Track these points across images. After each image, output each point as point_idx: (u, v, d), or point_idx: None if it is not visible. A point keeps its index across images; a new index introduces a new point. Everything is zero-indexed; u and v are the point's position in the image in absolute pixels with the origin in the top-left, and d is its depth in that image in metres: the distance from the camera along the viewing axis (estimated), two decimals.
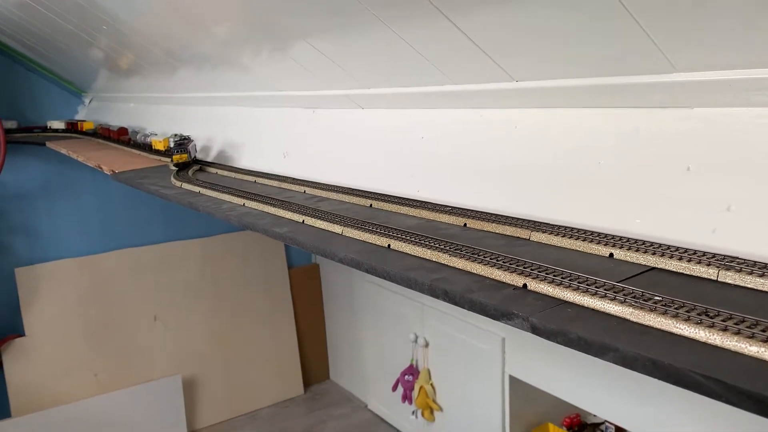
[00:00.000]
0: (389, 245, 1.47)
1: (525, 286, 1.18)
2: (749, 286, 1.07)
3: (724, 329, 0.92)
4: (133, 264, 5.27)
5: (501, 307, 1.12)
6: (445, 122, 1.87)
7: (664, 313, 0.99)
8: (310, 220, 1.78)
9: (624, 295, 1.07)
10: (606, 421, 3.96)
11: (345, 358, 5.88)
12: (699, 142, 1.34)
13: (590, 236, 1.35)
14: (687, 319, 0.96)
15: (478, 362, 4.10)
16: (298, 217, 1.81)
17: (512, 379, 3.91)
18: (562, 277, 1.16)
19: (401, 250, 1.44)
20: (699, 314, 0.97)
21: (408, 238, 1.46)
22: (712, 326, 0.93)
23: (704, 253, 1.18)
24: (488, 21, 1.52)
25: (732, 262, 1.13)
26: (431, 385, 4.51)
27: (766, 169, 1.23)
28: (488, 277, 1.24)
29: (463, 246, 1.36)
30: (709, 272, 1.13)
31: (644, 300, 1.04)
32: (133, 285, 5.26)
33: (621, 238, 1.31)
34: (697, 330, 0.94)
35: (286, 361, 5.77)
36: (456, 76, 1.78)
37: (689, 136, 1.35)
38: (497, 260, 1.28)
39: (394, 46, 1.78)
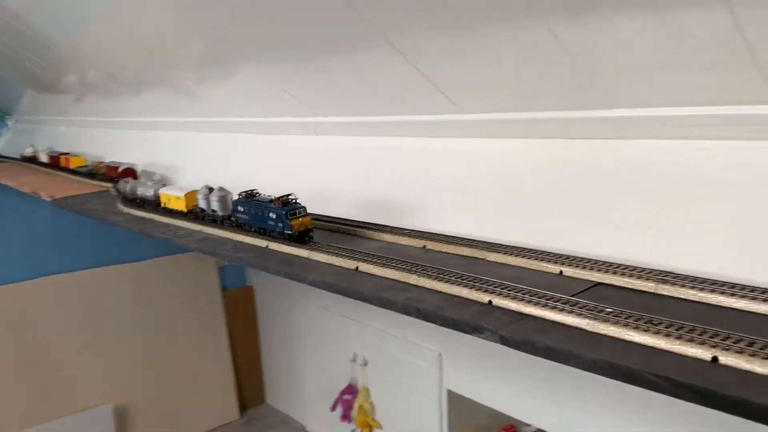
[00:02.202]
0: (357, 267, 1.57)
1: (490, 302, 1.30)
2: (683, 297, 1.24)
3: (668, 335, 1.07)
4: (60, 291, 5.09)
5: (471, 322, 1.24)
6: (400, 149, 2.00)
7: (616, 323, 1.14)
8: (274, 245, 1.85)
9: (579, 308, 1.21)
10: (539, 429, 4.15)
11: (282, 380, 5.86)
12: (631, 170, 1.52)
13: (541, 255, 1.49)
14: (636, 327, 1.11)
15: (417, 378, 4.20)
16: (261, 242, 1.88)
17: (450, 393, 4.02)
18: (522, 293, 1.30)
19: (370, 272, 1.54)
20: (645, 323, 1.12)
21: (375, 260, 1.56)
22: (657, 333, 1.08)
23: (643, 269, 1.34)
24: (440, 57, 1.66)
25: (667, 276, 1.30)
26: (370, 403, 4.59)
27: (690, 194, 1.42)
28: (455, 295, 1.36)
29: (427, 267, 1.48)
30: (648, 285, 1.29)
31: (597, 312, 1.19)
32: (61, 313, 5.08)
33: (568, 256, 1.47)
34: (645, 337, 1.09)
35: (221, 385, 5.70)
36: (407, 107, 1.92)
37: (622, 164, 1.53)
38: (462, 279, 1.40)
39: (347, 76, 1.90)
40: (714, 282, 1.24)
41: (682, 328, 1.08)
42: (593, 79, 1.46)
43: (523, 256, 1.51)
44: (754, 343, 1.00)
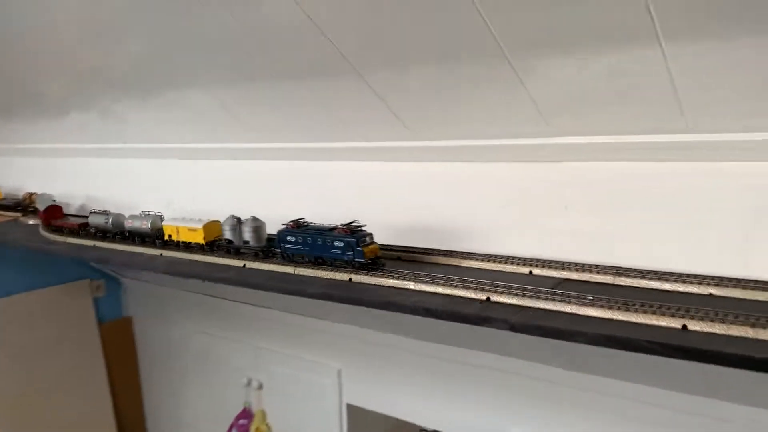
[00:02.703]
0: (350, 279, 1.73)
1: (488, 299, 1.54)
2: (638, 285, 1.57)
3: (645, 312, 1.38)
4: None
5: (480, 314, 1.47)
6: (365, 171, 2.19)
7: (601, 307, 1.43)
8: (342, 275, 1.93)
9: (564, 297, 1.49)
10: None
11: (165, 412, 5.63)
12: (572, 187, 1.85)
13: (510, 259, 1.77)
14: (618, 309, 1.41)
15: (316, 396, 4.32)
16: (238, 263, 1.97)
17: (350, 407, 4.19)
18: (512, 290, 1.55)
19: (363, 282, 1.71)
20: (624, 304, 1.42)
21: (366, 271, 1.74)
22: (636, 311, 1.39)
23: (599, 266, 1.66)
24: (398, 85, 1.89)
25: (621, 270, 1.62)
26: (267, 425, 4.61)
27: (622, 206, 1.77)
28: (456, 296, 1.59)
29: (420, 273, 1.69)
30: (607, 278, 1.61)
31: (580, 299, 1.47)
32: None
33: (533, 259, 1.76)
34: (627, 315, 1.39)
35: (99, 424, 5.36)
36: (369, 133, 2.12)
37: (565, 183, 1.86)
38: (455, 282, 1.63)
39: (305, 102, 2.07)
40: (657, 272, 1.59)
41: (653, 306, 1.40)
42: (541, 111, 1.78)
43: (495, 261, 1.77)
44: (709, 312, 1.34)
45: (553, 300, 1.48)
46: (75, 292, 5.21)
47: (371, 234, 1.91)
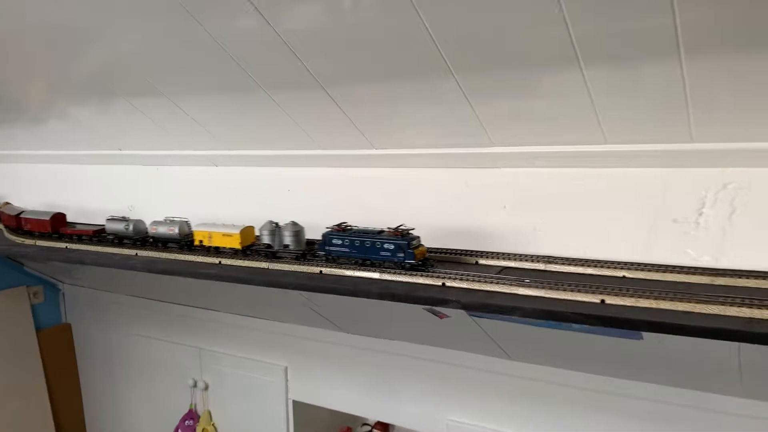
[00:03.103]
0: (321, 271, 1.97)
1: (444, 284, 1.81)
2: (565, 271, 1.88)
3: (571, 290, 1.69)
4: None
5: (438, 296, 1.74)
6: (325, 177, 2.43)
7: (535, 287, 1.73)
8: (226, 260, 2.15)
9: (505, 280, 1.78)
10: (372, 428, 4.69)
11: (107, 417, 5.61)
12: (509, 189, 2.16)
13: (461, 252, 2.05)
14: (549, 288, 1.71)
15: (262, 394, 4.47)
16: (215, 260, 2.16)
17: (295, 403, 4.37)
18: (464, 276, 1.83)
19: (333, 273, 1.95)
20: (555, 284, 1.72)
21: (334, 264, 1.98)
22: (564, 290, 1.69)
23: (532, 255, 1.96)
24: (360, 98, 2.15)
25: (550, 258, 1.93)
26: (213, 425, 4.73)
27: (550, 205, 2.09)
28: (416, 283, 1.85)
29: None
30: (539, 266, 1.92)
31: (520, 281, 1.77)
32: None
33: (478, 251, 2.05)
34: (557, 293, 1.69)
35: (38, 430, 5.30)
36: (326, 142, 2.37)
37: (503, 185, 2.16)
38: (415, 271, 1.90)
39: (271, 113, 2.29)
40: (579, 259, 1.91)
41: (577, 286, 1.71)
42: (480, 124, 2.08)
43: (446, 254, 2.06)
44: (623, 289, 1.66)
45: (497, 283, 1.77)
46: (12, 298, 5.15)
47: (419, 237, 2.04)
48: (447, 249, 2.10)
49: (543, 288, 1.71)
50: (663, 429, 2.97)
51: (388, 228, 2.07)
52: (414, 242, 2.01)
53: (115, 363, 5.42)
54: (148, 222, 2.63)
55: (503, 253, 2.01)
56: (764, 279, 1.59)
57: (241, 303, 4.20)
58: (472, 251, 2.05)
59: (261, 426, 4.51)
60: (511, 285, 1.76)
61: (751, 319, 1.47)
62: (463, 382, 3.59)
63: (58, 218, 3.06)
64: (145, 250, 2.63)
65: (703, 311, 1.53)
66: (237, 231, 2.35)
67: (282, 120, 2.30)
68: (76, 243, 2.91)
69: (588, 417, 3.18)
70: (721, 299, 1.53)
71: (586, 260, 1.90)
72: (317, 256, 2.18)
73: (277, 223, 2.28)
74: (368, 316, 3.48)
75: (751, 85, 1.53)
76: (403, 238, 2.01)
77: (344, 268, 2.08)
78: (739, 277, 1.64)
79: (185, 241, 2.52)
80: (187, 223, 2.55)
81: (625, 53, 1.62)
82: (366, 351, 3.95)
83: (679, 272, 1.75)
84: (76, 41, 2.34)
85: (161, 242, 2.60)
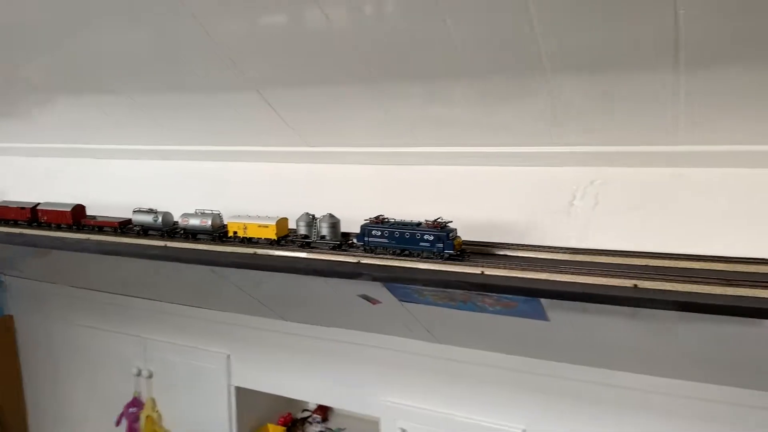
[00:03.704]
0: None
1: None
2: (514, 255, 2.13)
3: (512, 269, 1.95)
4: None
5: (354, 271, 1.98)
6: (260, 171, 2.64)
7: (473, 266, 2.00)
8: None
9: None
10: (312, 413, 4.89)
11: (50, 408, 5.64)
12: (432, 183, 2.42)
13: (484, 244, 2.31)
14: (583, 274, 1.95)
15: (205, 381, 4.62)
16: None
17: (238, 389, 4.54)
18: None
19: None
20: (587, 270, 1.96)
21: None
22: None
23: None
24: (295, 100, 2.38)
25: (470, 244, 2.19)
26: (157, 411, 4.86)
27: (467, 198, 2.36)
28: (333, 260, 2.09)
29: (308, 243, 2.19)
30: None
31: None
32: None
33: (502, 243, 2.29)
34: (500, 271, 1.97)
35: None
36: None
37: (428, 180, 2.42)
38: (335, 250, 2.14)
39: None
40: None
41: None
42: (407, 127, 2.33)
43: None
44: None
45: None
46: None
47: (456, 229, 2.17)
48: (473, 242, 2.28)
49: (576, 274, 1.91)
50: (569, 404, 3.28)
51: (426, 220, 2.21)
52: (452, 233, 2.15)
53: (58, 353, 5.47)
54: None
55: (524, 245, 2.18)
56: (617, 256, 1.91)
57: (184, 293, 4.34)
58: (495, 243, 2.24)
59: (204, 412, 4.66)
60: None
61: (608, 286, 1.83)
62: (396, 364, 3.83)
63: (79, 210, 3.04)
64: (175, 241, 2.68)
65: (568, 280, 1.89)
66: (273, 222, 2.44)
67: (224, 119, 2.52)
68: (97, 234, 2.93)
69: (504, 394, 3.47)
70: (584, 271, 1.88)
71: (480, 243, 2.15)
72: (354, 247, 2.30)
73: (313, 215, 2.40)
74: (307, 304, 3.68)
75: (613, 98, 1.83)
76: (442, 229, 2.14)
77: (383, 259, 2.20)
78: (599, 255, 1.99)
79: (218, 232, 2.61)
80: (219, 215, 2.64)
81: (513, 67, 1.89)
82: (305, 338, 4.15)
83: (550, 251, 2.09)
84: (32, 39, 2.48)
85: (191, 234, 2.66)
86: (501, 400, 3.47)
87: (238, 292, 3.61)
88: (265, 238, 2.46)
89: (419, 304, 3.07)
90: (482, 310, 2.90)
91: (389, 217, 2.28)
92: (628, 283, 1.81)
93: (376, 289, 2.87)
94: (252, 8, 1.93)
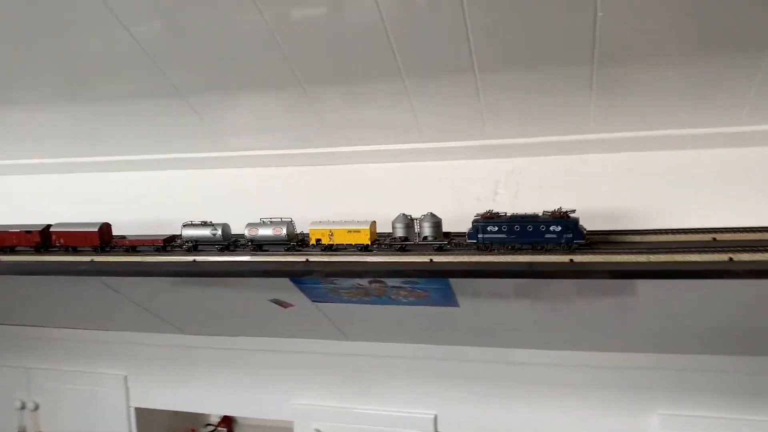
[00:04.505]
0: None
1: (307, 260, 2.15)
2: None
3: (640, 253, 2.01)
4: None
5: (304, 269, 2.08)
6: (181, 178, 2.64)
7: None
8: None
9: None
10: (216, 426, 4.82)
11: None
12: (349, 181, 2.56)
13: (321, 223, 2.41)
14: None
15: (101, 406, 4.39)
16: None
17: (138, 410, 4.37)
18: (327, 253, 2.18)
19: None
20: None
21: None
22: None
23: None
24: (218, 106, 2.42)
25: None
26: None
27: (387, 194, 2.51)
28: (278, 260, 2.17)
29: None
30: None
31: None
32: None
33: (335, 221, 2.39)
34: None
35: None
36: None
37: (347, 179, 2.55)
38: (288, 251, 2.23)
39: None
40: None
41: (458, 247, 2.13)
42: (322, 128, 2.46)
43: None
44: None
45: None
46: None
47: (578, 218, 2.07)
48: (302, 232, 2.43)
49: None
50: (478, 385, 3.51)
51: (544, 211, 2.11)
52: (580, 223, 2.04)
53: None
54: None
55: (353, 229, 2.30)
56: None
57: (71, 315, 4.12)
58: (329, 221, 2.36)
59: None
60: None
61: (532, 263, 2.06)
62: (305, 366, 3.88)
63: (104, 229, 2.64)
64: (235, 255, 2.43)
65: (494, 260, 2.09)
66: (366, 226, 2.29)
67: (140, 126, 2.50)
68: (134, 255, 2.54)
69: (415, 383, 3.63)
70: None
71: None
72: (461, 245, 2.17)
73: (410, 216, 2.27)
74: (209, 315, 3.64)
75: (532, 95, 2.07)
76: (567, 219, 2.04)
77: (499, 255, 2.11)
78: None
79: (295, 241, 2.41)
80: (292, 223, 2.44)
81: (434, 68, 2.07)
82: (207, 350, 4.09)
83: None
84: None
85: (257, 245, 2.42)
86: (412, 389, 3.64)
87: (134, 308, 3.50)
88: (356, 244, 2.29)
89: (333, 303, 3.17)
90: (396, 302, 3.06)
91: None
92: None
93: (289, 292, 2.95)
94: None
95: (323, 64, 2.14)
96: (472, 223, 2.15)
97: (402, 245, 2.25)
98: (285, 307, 3.35)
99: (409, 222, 2.25)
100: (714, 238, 2.11)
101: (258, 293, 3.11)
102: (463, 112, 2.18)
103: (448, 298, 2.95)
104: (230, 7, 1.88)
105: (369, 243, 2.28)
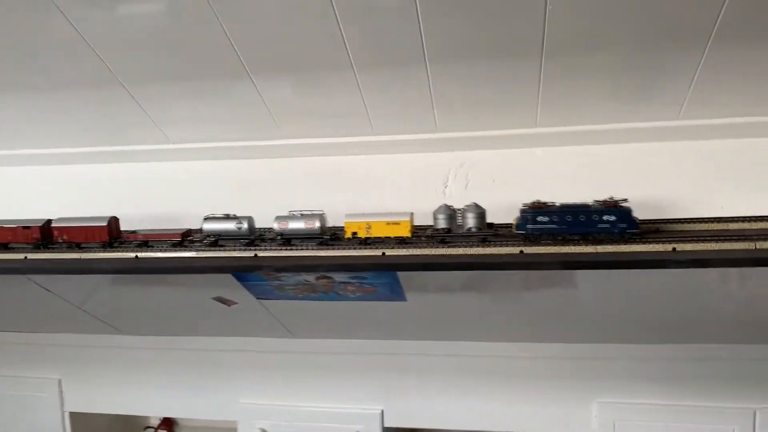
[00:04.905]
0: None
1: (256, 255, 2.11)
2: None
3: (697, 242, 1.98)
4: None
5: (252, 265, 2.04)
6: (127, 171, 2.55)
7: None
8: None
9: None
10: (156, 428, 4.69)
11: None
12: (306, 174, 2.52)
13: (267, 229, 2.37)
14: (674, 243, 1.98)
15: (33, 412, 4.18)
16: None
17: (73, 414, 4.18)
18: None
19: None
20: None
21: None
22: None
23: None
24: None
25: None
26: None
27: (336, 185, 2.49)
28: (234, 257, 2.12)
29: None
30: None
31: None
32: None
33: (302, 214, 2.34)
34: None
35: None
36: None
37: (295, 172, 2.52)
38: (233, 246, 2.17)
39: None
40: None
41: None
42: (275, 122, 2.42)
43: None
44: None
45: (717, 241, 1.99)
46: None
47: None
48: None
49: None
50: (423, 379, 3.53)
51: (596, 201, 2.06)
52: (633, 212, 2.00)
53: None
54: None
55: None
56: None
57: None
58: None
59: None
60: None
61: (483, 254, 2.08)
62: (252, 365, 3.80)
63: (113, 223, 2.43)
64: (265, 250, 2.25)
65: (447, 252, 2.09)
66: (407, 218, 2.19)
67: (85, 117, 2.40)
68: (149, 251, 2.36)
69: (362, 378, 3.61)
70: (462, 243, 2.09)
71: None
72: (509, 236, 2.11)
73: (452, 206, 2.19)
74: (150, 314, 3.53)
75: (482, 88, 2.09)
76: (621, 208, 2.00)
77: (548, 246, 2.04)
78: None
79: (328, 234, 2.31)
80: (323, 216, 2.32)
81: (390, 60, 2.07)
82: (147, 350, 3.95)
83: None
84: None
85: (286, 239, 2.30)
86: (359, 385, 3.63)
87: (68, 308, 3.34)
88: (395, 237, 2.21)
89: (278, 300, 3.12)
90: (344, 298, 3.04)
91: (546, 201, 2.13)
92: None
93: (233, 290, 2.89)
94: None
95: (272, 53, 2.10)
96: (520, 212, 2.09)
97: (443, 237, 2.18)
98: (229, 305, 3.28)
99: (451, 213, 2.19)
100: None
101: (201, 291, 3.04)
102: (415, 105, 2.19)
103: (396, 293, 2.95)
104: None
105: (410, 235, 2.21)
